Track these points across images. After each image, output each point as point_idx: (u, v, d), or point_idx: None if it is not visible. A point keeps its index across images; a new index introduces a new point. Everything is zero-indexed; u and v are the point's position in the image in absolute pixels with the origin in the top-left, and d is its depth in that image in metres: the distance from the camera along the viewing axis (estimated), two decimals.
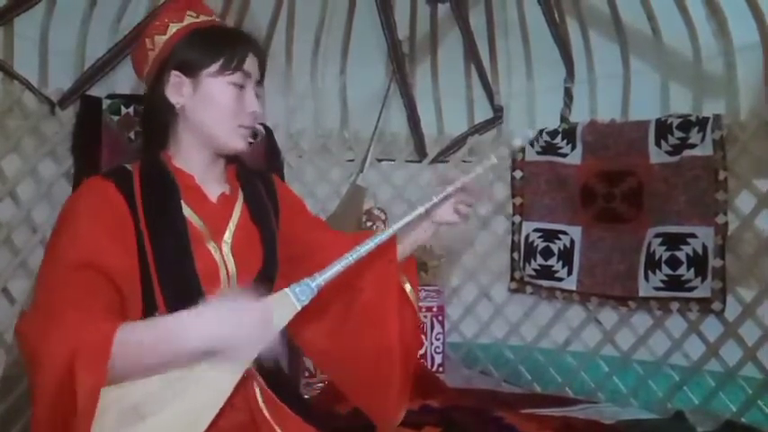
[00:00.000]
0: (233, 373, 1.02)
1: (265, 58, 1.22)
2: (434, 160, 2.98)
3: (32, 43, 2.33)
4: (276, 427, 1.12)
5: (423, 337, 2.74)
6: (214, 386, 1.00)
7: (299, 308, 1.05)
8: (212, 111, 1.14)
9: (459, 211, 1.30)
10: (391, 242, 1.29)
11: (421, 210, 1.23)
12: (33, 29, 2.31)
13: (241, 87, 1.15)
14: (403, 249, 1.33)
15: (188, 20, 1.16)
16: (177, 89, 1.14)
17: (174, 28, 1.15)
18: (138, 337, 0.93)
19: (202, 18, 1.18)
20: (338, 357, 1.34)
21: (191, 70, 1.13)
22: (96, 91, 2.42)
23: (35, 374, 0.91)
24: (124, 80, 2.50)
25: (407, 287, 1.35)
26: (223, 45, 1.14)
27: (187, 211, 1.13)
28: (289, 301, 1.04)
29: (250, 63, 1.16)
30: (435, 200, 1.25)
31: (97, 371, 0.88)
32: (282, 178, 2.69)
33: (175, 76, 1.13)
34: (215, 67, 1.13)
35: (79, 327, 0.91)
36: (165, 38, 1.15)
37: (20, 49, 2.28)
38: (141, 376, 0.95)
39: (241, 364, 1.02)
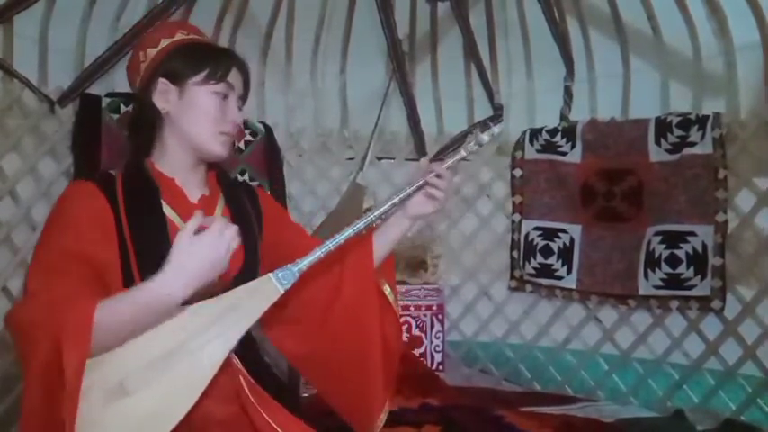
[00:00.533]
0: (218, 351, 1.06)
1: (249, 76, 1.29)
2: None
3: (32, 41, 2.32)
4: (267, 418, 1.13)
5: (422, 335, 2.75)
6: (200, 363, 1.05)
7: (282, 291, 1.12)
8: (195, 117, 1.21)
9: (432, 196, 1.29)
10: (367, 243, 1.31)
11: (395, 200, 1.26)
12: (33, 27, 2.30)
13: (224, 97, 1.23)
14: (379, 249, 1.33)
15: (179, 36, 1.25)
16: (164, 96, 1.22)
17: (165, 42, 1.24)
18: (120, 306, 1.00)
19: (192, 36, 1.27)
20: (318, 362, 1.34)
21: (177, 78, 1.21)
22: (96, 89, 2.42)
23: (26, 355, 0.97)
24: (124, 78, 2.44)
25: (386, 289, 1.35)
26: (209, 57, 1.23)
27: (167, 210, 1.18)
28: (271, 285, 1.11)
29: (234, 76, 1.24)
30: (409, 190, 1.27)
31: (80, 347, 0.94)
32: (282, 177, 2.70)
33: (163, 84, 1.21)
34: (200, 76, 1.21)
35: (65, 308, 0.97)
36: (156, 50, 1.23)
37: (19, 47, 2.27)
38: (130, 338, 1.01)
39: (232, 333, 1.07)
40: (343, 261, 1.30)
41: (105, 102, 2.39)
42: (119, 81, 2.50)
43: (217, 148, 1.23)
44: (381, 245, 1.33)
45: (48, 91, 2.35)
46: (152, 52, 1.24)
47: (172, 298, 1.01)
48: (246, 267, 1.22)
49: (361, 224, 1.21)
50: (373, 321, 1.29)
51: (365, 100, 3.01)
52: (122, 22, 2.46)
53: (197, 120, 1.21)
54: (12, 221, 2.25)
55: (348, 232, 1.20)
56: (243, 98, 1.29)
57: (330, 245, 1.18)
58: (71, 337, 0.94)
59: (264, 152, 2.65)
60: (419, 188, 1.28)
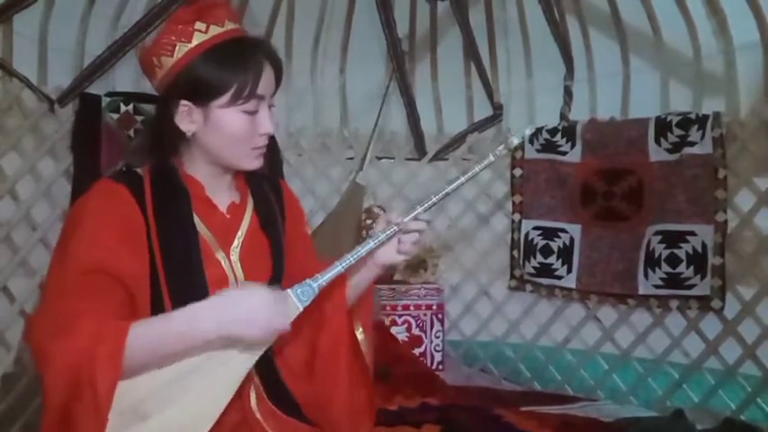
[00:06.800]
0: (238, 370, 1.03)
1: (282, 66, 1.16)
2: (434, 158, 2.99)
3: (31, 41, 2.32)
4: (268, 429, 1.13)
5: (422, 335, 2.75)
6: (217, 385, 1.01)
7: (301, 308, 1.06)
8: (224, 140, 1.11)
9: (400, 251, 1.16)
10: (341, 285, 1.21)
11: (420, 209, 1.14)
12: (32, 27, 2.30)
13: (255, 112, 1.11)
14: (351, 291, 1.23)
15: (196, 38, 1.09)
16: (187, 117, 1.11)
17: (181, 50, 1.09)
18: (151, 331, 0.95)
19: (212, 32, 1.10)
20: (302, 395, 1.26)
21: (200, 100, 1.09)
22: (95, 89, 2.42)
23: (46, 375, 0.92)
24: (123, 78, 2.50)
25: (359, 334, 1.25)
26: (233, 71, 1.08)
27: (197, 223, 1.12)
28: (291, 302, 1.05)
29: (264, 83, 1.10)
30: (435, 198, 1.15)
31: (113, 367, 0.90)
32: (282, 176, 2.70)
33: (184, 105, 1.10)
34: (225, 98, 1.08)
35: (92, 327, 0.92)
36: (171, 60, 1.09)
37: (19, 46, 2.27)
38: (155, 367, 0.97)
39: (252, 353, 1.03)
40: (318, 305, 1.16)
41: (105, 101, 2.40)
42: (119, 80, 2.50)
43: (250, 163, 1.15)
44: (354, 287, 1.23)
45: (47, 90, 2.35)
46: (167, 62, 1.10)
47: (201, 329, 0.96)
48: (275, 275, 1.18)
49: (382, 237, 1.11)
50: (342, 366, 1.22)
51: (365, 99, 3.01)
52: (122, 22, 2.46)
53: (226, 142, 1.11)
54: (12, 221, 2.25)
55: (370, 245, 1.10)
56: (274, 93, 1.15)
57: (351, 258, 1.08)
58: (105, 358, 0.89)
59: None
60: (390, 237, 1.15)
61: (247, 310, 0.98)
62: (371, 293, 1.29)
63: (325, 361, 1.23)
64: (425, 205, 1.14)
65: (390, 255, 1.17)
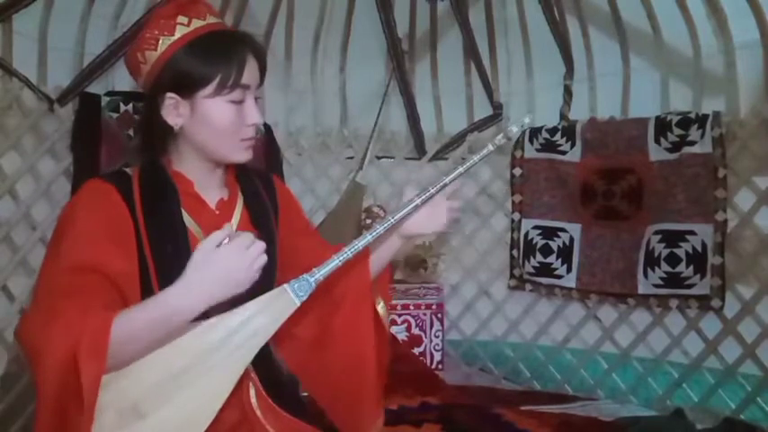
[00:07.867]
0: (235, 367, 1.03)
1: (265, 58, 1.17)
2: (434, 158, 2.99)
3: (31, 40, 2.32)
4: (268, 427, 1.13)
5: (422, 334, 2.75)
6: (214, 383, 1.01)
7: (299, 303, 1.06)
8: (211, 131, 1.12)
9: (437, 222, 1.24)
10: (365, 259, 1.24)
11: (418, 201, 1.18)
12: (32, 26, 2.31)
13: (241, 102, 1.12)
14: (373, 266, 1.26)
15: (179, 31, 1.10)
16: (174, 110, 1.11)
17: (164, 43, 1.10)
18: (135, 321, 0.95)
19: (194, 25, 1.11)
20: (313, 375, 1.30)
21: (186, 92, 1.10)
22: (95, 88, 2.42)
23: (37, 371, 0.92)
24: (123, 77, 2.48)
25: (380, 306, 1.29)
26: (217, 61, 1.09)
27: (186, 219, 1.12)
28: (288, 297, 1.05)
29: (248, 73, 1.11)
30: (433, 190, 1.18)
31: (98, 358, 0.90)
32: (282, 176, 2.70)
33: (170, 98, 1.11)
34: (210, 88, 1.09)
35: (79, 320, 0.92)
36: (156, 54, 1.10)
37: (19, 46, 2.28)
38: (146, 353, 0.97)
39: (249, 351, 1.03)
40: (342, 277, 1.21)
41: (105, 100, 2.40)
42: (118, 80, 2.50)
43: (239, 155, 1.15)
44: (375, 262, 1.26)
45: (47, 90, 2.35)
46: (152, 56, 1.10)
47: (187, 311, 0.96)
48: (264, 271, 1.14)
49: (380, 230, 1.13)
50: (369, 338, 1.24)
51: (365, 99, 3.01)
52: (122, 21, 2.47)
53: (213, 134, 1.11)
54: (11, 220, 2.25)
55: (367, 238, 1.11)
56: (260, 83, 1.16)
57: (348, 253, 1.09)
58: (88, 349, 0.89)
59: (264, 151, 2.65)
60: (429, 198, 1.19)
61: (222, 272, 0.97)
62: (389, 268, 1.33)
63: (349, 332, 1.25)
64: (423, 197, 1.18)
65: (422, 223, 1.24)
